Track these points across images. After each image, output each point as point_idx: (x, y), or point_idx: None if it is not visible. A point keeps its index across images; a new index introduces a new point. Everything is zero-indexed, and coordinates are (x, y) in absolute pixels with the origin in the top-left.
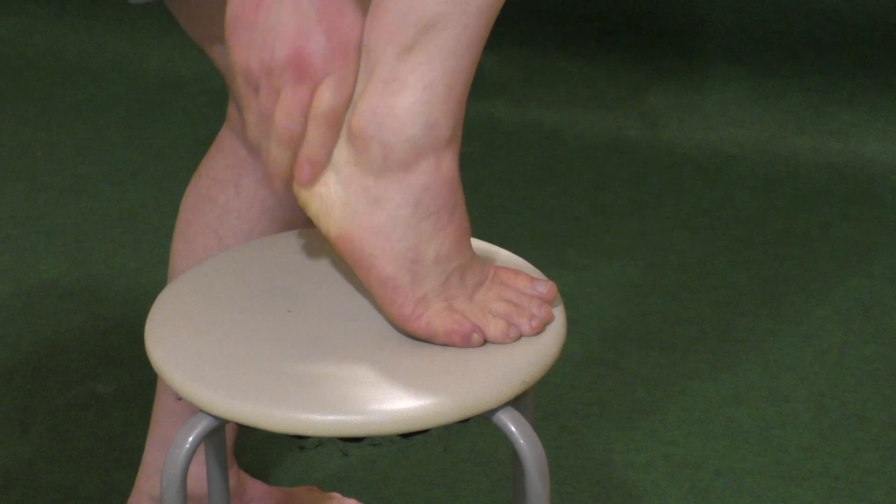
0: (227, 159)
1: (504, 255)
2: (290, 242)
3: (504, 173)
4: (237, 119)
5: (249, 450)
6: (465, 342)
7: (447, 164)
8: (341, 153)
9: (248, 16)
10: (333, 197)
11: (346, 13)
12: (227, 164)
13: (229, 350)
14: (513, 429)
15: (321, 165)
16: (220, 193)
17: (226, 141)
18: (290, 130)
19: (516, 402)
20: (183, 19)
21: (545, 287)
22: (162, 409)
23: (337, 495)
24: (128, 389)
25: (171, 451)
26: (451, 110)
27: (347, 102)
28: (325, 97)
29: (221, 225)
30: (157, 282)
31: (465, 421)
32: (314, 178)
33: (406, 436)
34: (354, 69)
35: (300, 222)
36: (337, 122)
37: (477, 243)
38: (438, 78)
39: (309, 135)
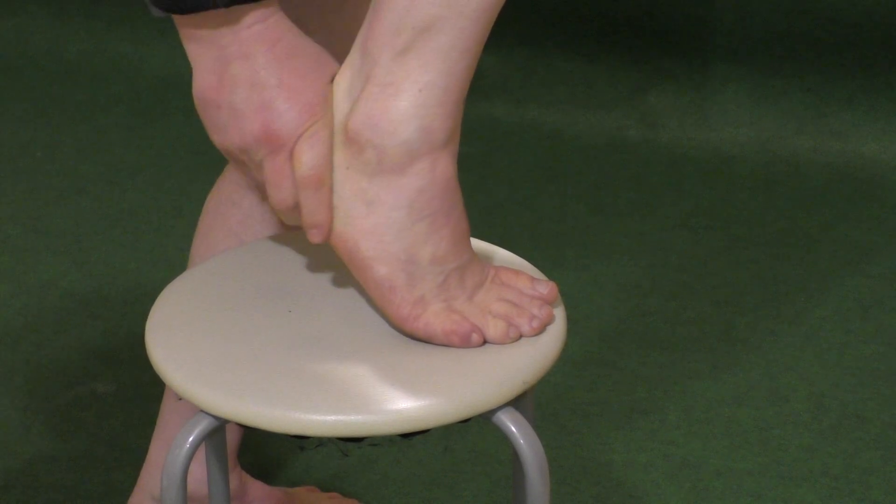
0: None
1: (504, 255)
2: (290, 242)
3: (504, 173)
4: None
5: (249, 450)
6: (464, 342)
7: (443, 166)
8: (336, 156)
9: (212, 97)
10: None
11: (305, 72)
12: None
13: (229, 350)
14: (513, 429)
15: (327, 224)
16: (243, 198)
17: None
18: (284, 201)
19: (516, 402)
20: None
21: (546, 287)
22: (169, 409)
23: (337, 495)
24: (128, 389)
25: (172, 451)
26: (447, 113)
27: (328, 156)
28: (304, 160)
29: (244, 229)
30: (157, 282)
31: (465, 421)
32: (327, 237)
33: (406, 436)
34: (326, 119)
35: None
36: (322, 179)
37: (476, 243)
38: (434, 81)
39: (302, 203)
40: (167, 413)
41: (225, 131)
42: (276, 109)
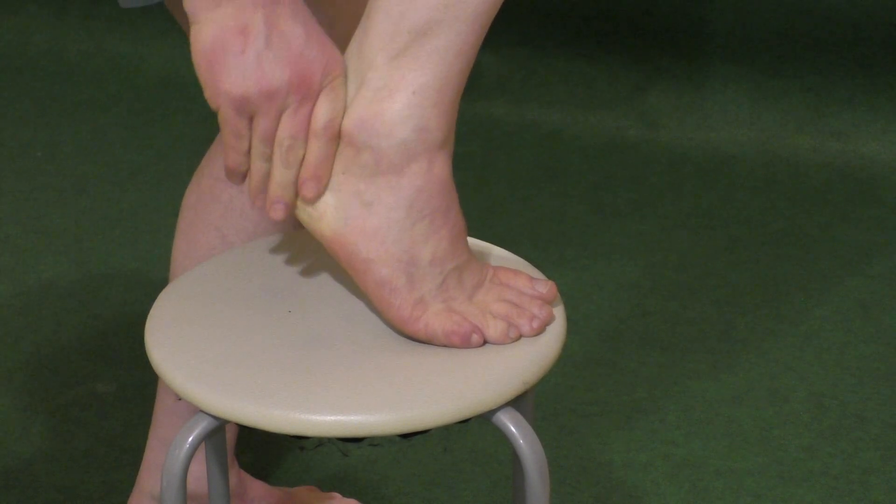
0: None
1: (503, 255)
2: (290, 242)
3: (504, 173)
4: None
5: (249, 450)
6: (464, 343)
7: (439, 166)
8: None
9: (234, 42)
10: (325, 203)
11: (331, 27)
12: None
13: (229, 350)
14: (513, 429)
15: (326, 180)
16: (223, 191)
17: None
18: (297, 150)
19: (516, 403)
20: (182, 18)
21: (545, 287)
22: (162, 409)
23: (337, 495)
24: (128, 389)
25: (172, 452)
26: (442, 114)
27: (342, 112)
28: (324, 111)
29: (225, 222)
30: (157, 282)
31: (465, 421)
32: (321, 194)
33: (406, 436)
34: (345, 78)
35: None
36: (336, 134)
37: (476, 243)
38: (429, 83)
39: (311, 151)
40: (160, 413)
41: (247, 76)
42: (309, 58)
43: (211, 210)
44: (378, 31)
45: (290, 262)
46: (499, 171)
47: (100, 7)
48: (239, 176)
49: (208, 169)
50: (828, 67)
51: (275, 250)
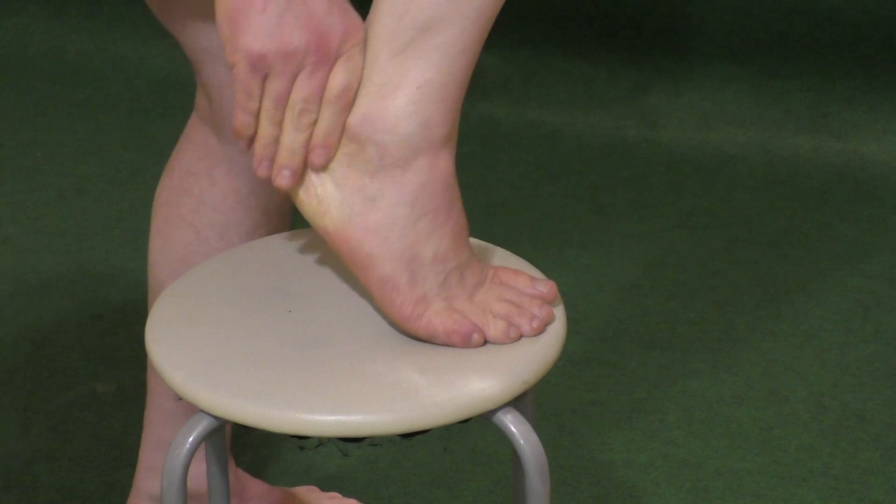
0: (199, 151)
1: (504, 255)
2: (290, 242)
3: (504, 173)
4: (206, 109)
5: (249, 450)
6: (465, 342)
7: (443, 162)
8: (336, 154)
9: (257, 1)
10: (329, 197)
11: None
12: (198, 155)
13: (229, 350)
14: (513, 429)
15: (335, 149)
16: (194, 185)
17: (196, 132)
18: (309, 114)
19: (516, 402)
20: (171, 25)
21: (545, 287)
22: (155, 409)
23: (337, 495)
24: (128, 389)
25: (172, 452)
26: (446, 110)
27: (358, 81)
28: (340, 78)
29: (198, 217)
30: None
31: (465, 421)
32: (329, 162)
33: (406, 436)
34: (363, 48)
35: (274, 212)
36: (350, 102)
37: (476, 243)
38: (433, 78)
39: (323, 117)
40: (153, 413)
41: (265, 35)
42: (329, 23)
43: (183, 205)
44: (382, 27)
45: (290, 261)
46: (499, 171)
47: (100, 7)
48: (245, 140)
49: (178, 162)
50: (828, 67)
51: (275, 250)
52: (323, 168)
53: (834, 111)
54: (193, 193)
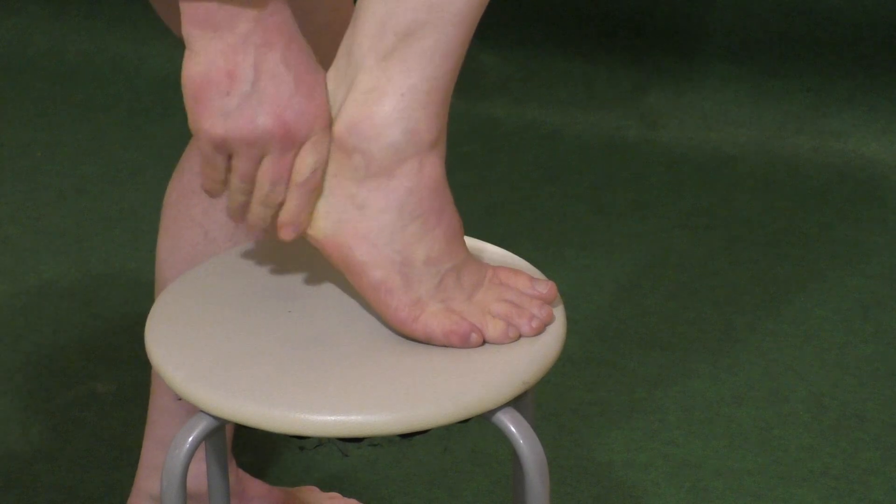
0: None
1: (503, 255)
2: (290, 243)
3: (504, 173)
4: None
5: (249, 450)
6: (463, 342)
7: (430, 167)
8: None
9: (220, 82)
10: (318, 206)
11: (314, 72)
12: None
13: (229, 350)
14: (513, 429)
15: (305, 225)
16: None
17: None
18: (276, 195)
19: (516, 403)
20: (174, 24)
21: (545, 287)
22: (157, 409)
23: (337, 495)
24: (128, 389)
25: (172, 452)
26: (432, 115)
27: (325, 163)
28: (308, 163)
29: (207, 218)
30: None
31: (465, 421)
32: (299, 236)
33: (406, 436)
34: (329, 130)
35: None
36: (317, 185)
37: (475, 243)
38: (417, 84)
39: (291, 199)
40: (155, 412)
41: (228, 119)
42: (295, 108)
43: (193, 206)
44: (366, 32)
45: (290, 261)
46: (499, 171)
47: (100, 7)
48: (216, 196)
49: (188, 164)
50: (828, 67)
51: (275, 250)
52: (293, 240)
53: (834, 111)
54: (203, 194)
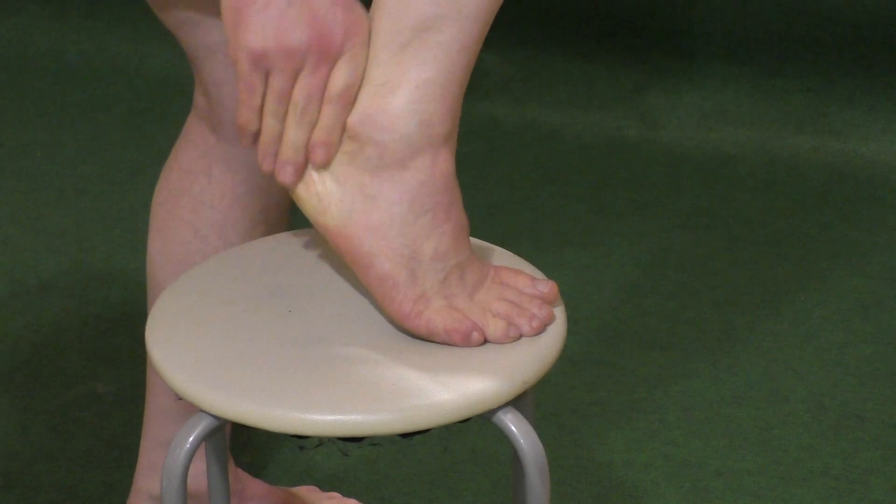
0: (198, 149)
1: (504, 255)
2: (290, 242)
3: (504, 173)
4: (205, 107)
5: (249, 450)
6: (464, 341)
7: (443, 161)
8: (337, 152)
9: None
10: (329, 195)
11: None
12: (196, 154)
13: (229, 350)
14: (513, 429)
15: (336, 147)
16: (192, 184)
17: (194, 130)
18: (311, 112)
19: (516, 402)
20: (170, 22)
21: (546, 287)
22: (154, 409)
23: (337, 495)
24: (128, 389)
25: (172, 452)
26: (446, 109)
27: (360, 80)
28: (342, 76)
29: (196, 216)
30: None
31: (466, 421)
32: (330, 160)
33: (406, 436)
34: (367, 46)
35: (273, 211)
36: (351, 101)
37: (476, 242)
38: (432, 77)
39: (324, 115)
40: (152, 412)
41: (267, 33)
42: (331, 20)
43: (182, 205)
44: (382, 27)
45: (290, 261)
46: (499, 171)
47: (100, 7)
48: (249, 135)
49: (177, 163)
50: (828, 67)
51: (275, 250)
52: (324, 166)
53: (834, 111)
54: (192, 192)
